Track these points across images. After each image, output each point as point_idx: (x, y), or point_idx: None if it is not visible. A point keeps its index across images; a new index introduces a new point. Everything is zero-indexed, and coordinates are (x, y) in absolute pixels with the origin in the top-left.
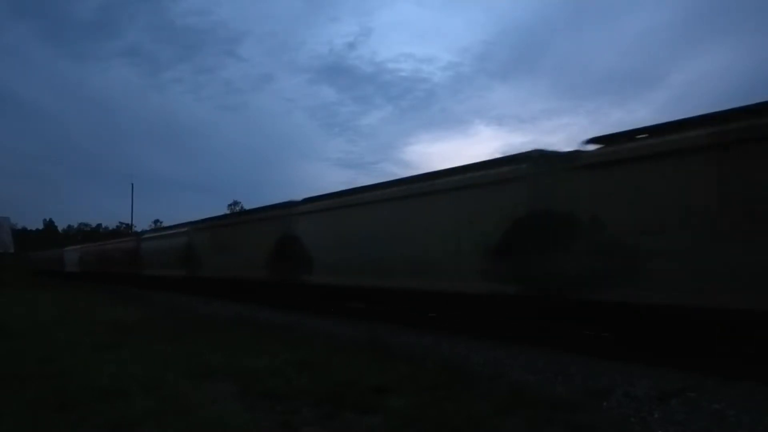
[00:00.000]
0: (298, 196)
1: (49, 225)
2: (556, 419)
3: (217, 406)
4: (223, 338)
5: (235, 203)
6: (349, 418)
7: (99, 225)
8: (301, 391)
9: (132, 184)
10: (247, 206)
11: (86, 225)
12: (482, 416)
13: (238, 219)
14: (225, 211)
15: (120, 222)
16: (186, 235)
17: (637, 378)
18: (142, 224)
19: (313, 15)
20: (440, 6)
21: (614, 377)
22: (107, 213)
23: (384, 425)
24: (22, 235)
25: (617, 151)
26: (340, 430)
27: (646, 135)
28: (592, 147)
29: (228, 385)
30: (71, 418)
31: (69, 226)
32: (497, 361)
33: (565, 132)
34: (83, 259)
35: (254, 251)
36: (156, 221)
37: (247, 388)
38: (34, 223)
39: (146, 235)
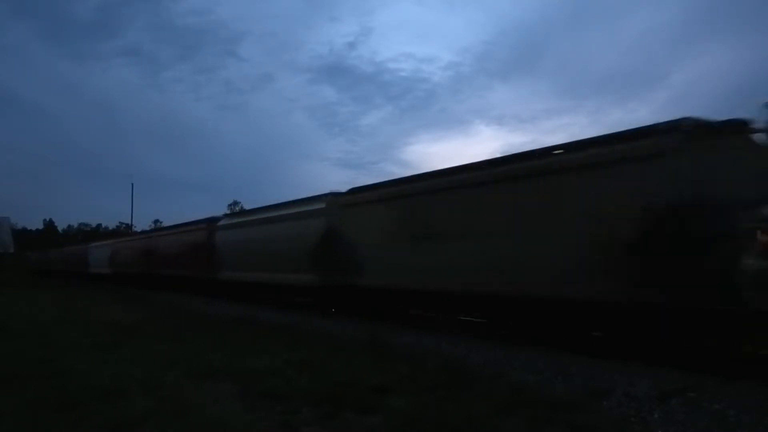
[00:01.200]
0: (298, 196)
1: (49, 225)
2: (556, 419)
3: (218, 406)
4: (224, 338)
5: (235, 203)
6: (349, 418)
7: (99, 225)
8: (301, 391)
9: (132, 184)
10: (248, 206)
11: (86, 225)
12: (482, 416)
13: (493, 174)
14: (225, 211)
15: (120, 222)
16: (322, 215)
17: (637, 378)
18: (142, 224)
19: (313, 15)
20: (440, 6)
21: (614, 377)
22: (107, 213)
23: (384, 425)
24: (22, 235)
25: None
26: (340, 430)
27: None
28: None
29: (228, 385)
30: (71, 418)
31: (69, 226)
32: (497, 361)
33: (565, 132)
34: (116, 257)
35: (549, 240)
36: (156, 221)
37: (248, 388)
38: (34, 223)
39: (225, 222)
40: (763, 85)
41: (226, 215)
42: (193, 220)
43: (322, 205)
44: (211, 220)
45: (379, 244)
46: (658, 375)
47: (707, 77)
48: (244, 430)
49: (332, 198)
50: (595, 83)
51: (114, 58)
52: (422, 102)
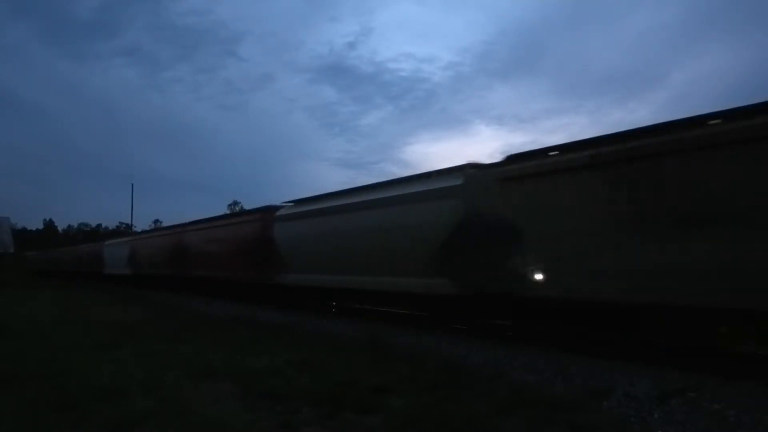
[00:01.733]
0: (298, 195)
1: (49, 225)
2: (556, 419)
3: (218, 406)
4: (224, 338)
5: (235, 203)
6: (349, 418)
7: (99, 225)
8: (301, 391)
9: (132, 184)
10: (248, 206)
11: (86, 225)
12: (482, 416)
13: None
14: (225, 210)
15: (120, 222)
16: (458, 195)
17: (637, 378)
18: (142, 224)
19: (313, 15)
20: (440, 6)
21: (614, 377)
22: (107, 213)
23: (384, 425)
24: (22, 235)
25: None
26: (340, 430)
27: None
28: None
29: (228, 385)
30: (71, 418)
31: (69, 226)
32: (497, 361)
33: (565, 132)
34: (137, 256)
35: None
36: (156, 221)
37: (248, 388)
38: (34, 223)
39: (289, 210)
40: (763, 85)
41: (289, 202)
42: (242, 210)
43: (458, 181)
44: (267, 209)
45: (587, 234)
46: (658, 375)
47: (707, 77)
48: (244, 430)
49: (476, 171)
50: (594, 83)
51: (114, 58)
52: (422, 102)
